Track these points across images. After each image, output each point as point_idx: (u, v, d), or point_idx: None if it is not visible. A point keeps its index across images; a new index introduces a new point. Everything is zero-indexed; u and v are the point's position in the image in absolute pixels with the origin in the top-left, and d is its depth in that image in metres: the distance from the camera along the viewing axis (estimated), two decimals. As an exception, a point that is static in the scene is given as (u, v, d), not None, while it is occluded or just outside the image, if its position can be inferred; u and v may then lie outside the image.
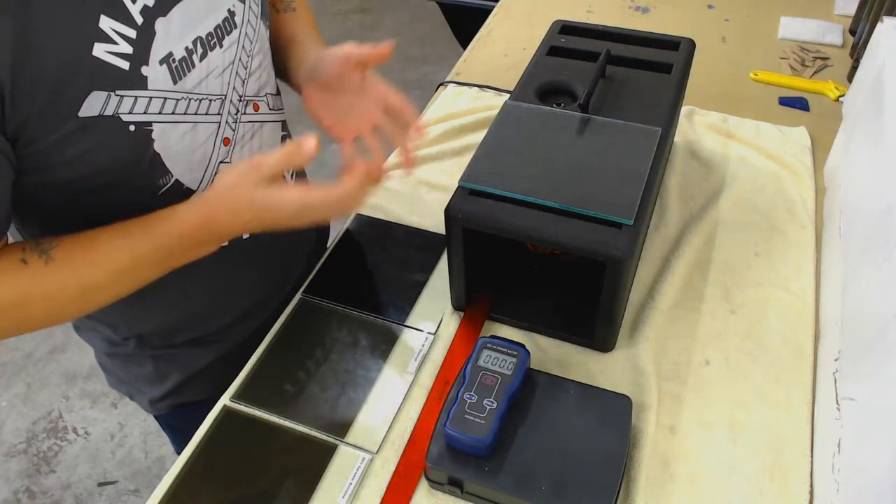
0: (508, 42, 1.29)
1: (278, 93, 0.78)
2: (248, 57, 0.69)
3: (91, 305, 0.62)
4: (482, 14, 1.39)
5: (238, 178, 0.60)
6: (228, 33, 0.65)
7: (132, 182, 0.62)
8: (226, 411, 0.73)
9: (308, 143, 0.58)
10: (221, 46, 0.65)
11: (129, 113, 0.57)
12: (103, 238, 0.60)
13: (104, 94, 0.55)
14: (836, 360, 0.67)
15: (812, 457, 0.66)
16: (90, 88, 0.54)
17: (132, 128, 0.58)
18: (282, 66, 0.80)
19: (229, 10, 0.65)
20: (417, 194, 0.96)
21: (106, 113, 0.55)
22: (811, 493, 0.64)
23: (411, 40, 3.19)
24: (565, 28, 0.92)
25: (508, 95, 0.83)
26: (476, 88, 1.14)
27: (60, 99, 0.52)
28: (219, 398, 0.74)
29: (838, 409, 0.63)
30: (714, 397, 0.71)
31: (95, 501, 1.65)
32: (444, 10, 2.09)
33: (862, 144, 0.77)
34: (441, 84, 1.18)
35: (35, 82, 0.51)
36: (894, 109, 0.68)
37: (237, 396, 0.74)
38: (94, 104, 0.54)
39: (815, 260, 0.84)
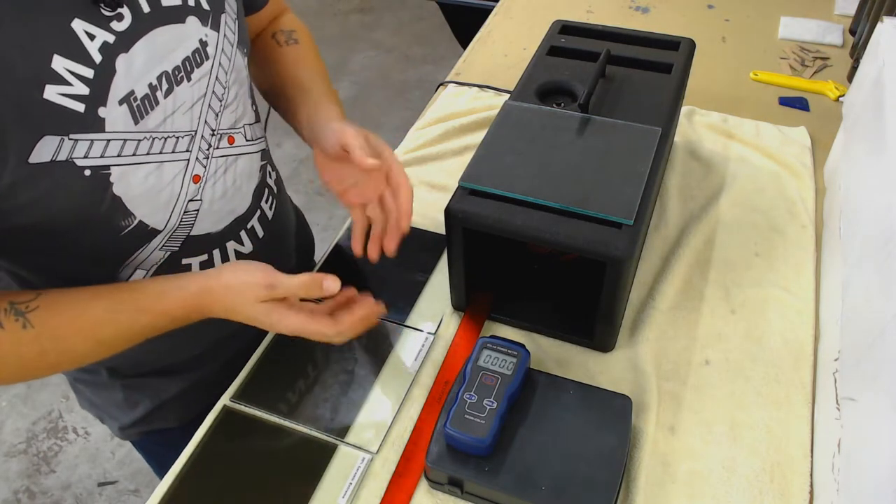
0: (508, 42, 1.29)
1: (257, 120, 0.75)
2: (224, 89, 0.66)
3: (66, 368, 0.62)
4: (482, 14, 1.39)
5: (246, 289, 0.59)
6: (199, 65, 0.62)
7: (91, 225, 0.59)
8: (226, 411, 0.73)
9: (331, 284, 0.59)
10: (189, 80, 0.61)
11: (85, 157, 0.53)
12: (90, 310, 0.58)
13: (57, 138, 0.51)
14: (836, 360, 0.67)
15: (812, 457, 0.66)
16: (41, 133, 0.50)
17: (87, 172, 0.54)
18: (288, 112, 0.77)
19: (200, 41, 0.61)
20: (417, 194, 0.96)
21: (59, 158, 0.52)
22: (811, 493, 0.64)
23: (411, 40, 3.19)
24: (565, 28, 0.92)
25: (508, 95, 0.83)
26: (476, 88, 1.14)
27: (7, 145, 0.49)
28: (189, 425, 0.72)
29: (838, 409, 0.63)
30: (714, 397, 0.71)
31: (95, 501, 1.65)
32: (444, 10, 2.08)
33: (862, 144, 0.77)
34: (441, 84, 1.18)
35: None
36: (894, 109, 0.68)
37: (237, 396, 0.74)
38: (45, 149, 0.51)
39: (815, 260, 0.84)
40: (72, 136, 0.52)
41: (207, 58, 0.63)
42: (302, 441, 0.70)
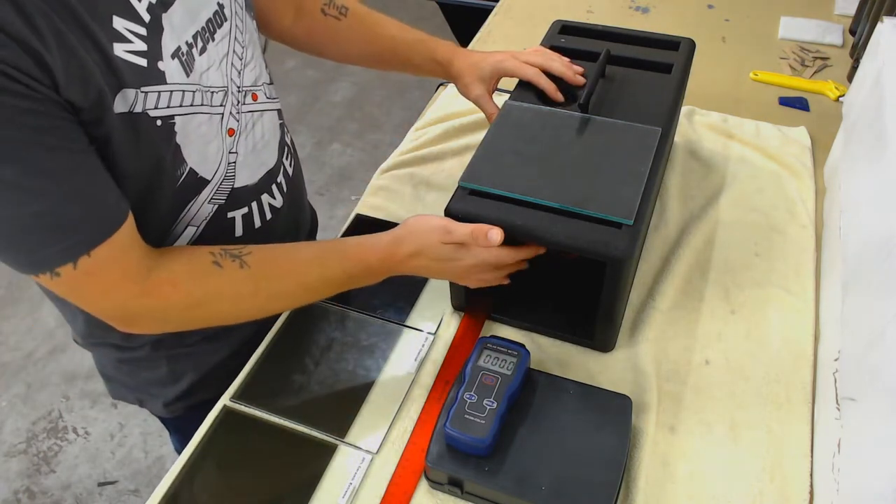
0: (508, 42, 1.29)
1: (272, 82, 0.80)
2: (242, 48, 0.70)
3: (270, 311, 0.70)
4: (482, 14, 1.39)
5: (431, 233, 0.68)
6: (219, 26, 0.67)
7: (159, 176, 0.64)
8: (226, 411, 0.73)
9: (495, 235, 0.66)
10: (214, 40, 0.66)
11: (155, 108, 0.59)
12: (299, 256, 0.68)
13: (132, 91, 0.56)
14: (836, 360, 0.67)
15: (812, 457, 0.66)
16: (120, 86, 0.55)
17: (159, 122, 0.60)
18: (406, 68, 0.90)
19: (218, 3, 0.66)
20: (417, 194, 0.96)
21: (135, 110, 0.57)
22: (811, 493, 0.64)
23: (411, 40, 3.18)
24: (565, 28, 0.92)
25: (508, 95, 0.83)
26: (476, 88, 1.14)
27: (103, 96, 0.54)
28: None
29: (838, 409, 0.63)
30: (714, 397, 0.71)
31: (95, 501, 1.65)
32: (444, 10, 2.09)
33: (862, 144, 0.77)
34: (441, 84, 1.18)
35: (84, 78, 0.52)
36: (894, 109, 0.68)
37: (237, 396, 0.74)
38: (124, 101, 0.56)
39: (815, 260, 0.84)
40: (143, 88, 0.57)
41: (226, 19, 0.68)
42: (302, 441, 0.70)
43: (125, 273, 0.58)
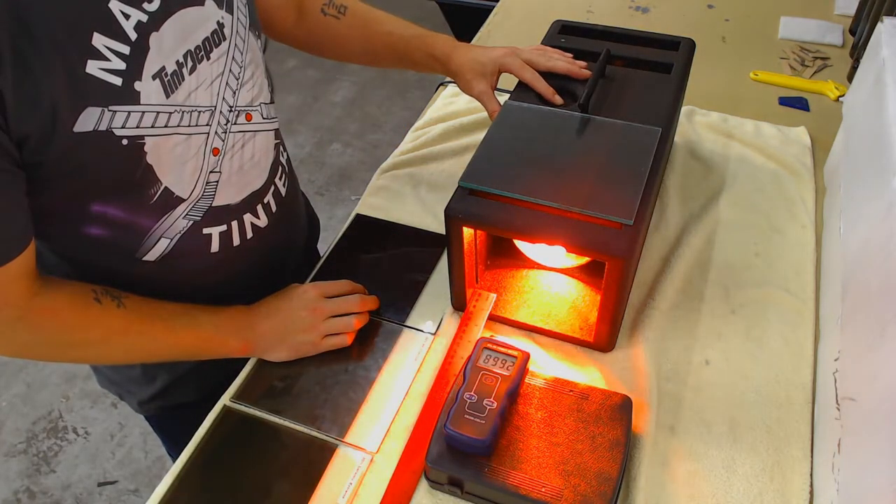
0: (508, 42, 1.29)
1: (272, 101, 0.79)
2: (240, 68, 0.69)
3: (136, 354, 0.71)
4: (482, 14, 1.39)
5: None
6: (217, 45, 0.66)
7: (125, 192, 0.63)
8: (226, 411, 0.73)
9: None
10: (209, 59, 0.65)
11: (122, 127, 0.58)
12: (170, 306, 0.70)
13: (98, 109, 0.55)
14: (836, 360, 0.67)
15: (812, 457, 0.66)
16: (84, 105, 0.54)
17: (125, 142, 0.59)
18: (403, 64, 0.90)
19: (218, 22, 0.65)
20: (417, 194, 0.96)
21: (100, 128, 0.56)
22: (811, 493, 0.64)
23: (411, 40, 3.18)
24: (565, 28, 0.92)
25: (508, 95, 0.83)
26: (476, 88, 1.14)
27: (57, 114, 0.53)
28: (207, 400, 0.74)
29: (838, 409, 0.63)
30: (714, 397, 0.71)
31: (95, 501, 1.65)
32: (444, 10, 2.09)
33: (862, 144, 0.77)
34: (441, 84, 1.18)
35: (36, 98, 0.51)
36: (894, 109, 0.68)
37: (237, 396, 0.74)
38: (88, 120, 0.55)
39: (815, 260, 0.84)
40: (111, 107, 0.56)
41: (224, 38, 0.67)
42: (302, 441, 0.70)
43: (6, 299, 0.58)
